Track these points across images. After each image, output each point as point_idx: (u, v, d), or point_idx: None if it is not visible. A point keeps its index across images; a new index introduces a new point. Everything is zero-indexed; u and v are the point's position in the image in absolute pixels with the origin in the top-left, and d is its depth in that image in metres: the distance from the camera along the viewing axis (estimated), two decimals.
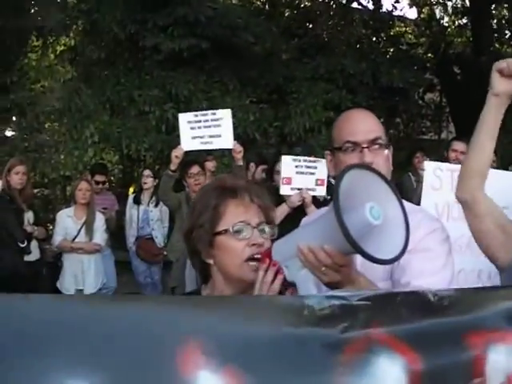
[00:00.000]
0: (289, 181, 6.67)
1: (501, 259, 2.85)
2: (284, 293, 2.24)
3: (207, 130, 7.31)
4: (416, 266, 2.53)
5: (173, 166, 7.36)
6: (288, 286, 2.27)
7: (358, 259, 2.25)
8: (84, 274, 8.14)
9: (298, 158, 6.94)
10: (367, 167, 2.23)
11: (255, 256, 2.37)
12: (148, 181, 9.45)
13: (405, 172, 9.38)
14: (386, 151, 2.70)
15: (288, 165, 6.72)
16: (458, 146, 7.76)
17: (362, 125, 2.71)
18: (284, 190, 6.59)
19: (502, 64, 2.65)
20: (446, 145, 8.82)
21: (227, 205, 2.46)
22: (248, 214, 2.46)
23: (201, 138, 7.33)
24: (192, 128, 7.32)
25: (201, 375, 1.50)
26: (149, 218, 9.50)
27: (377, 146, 2.66)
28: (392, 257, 2.06)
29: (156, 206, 9.41)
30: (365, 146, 2.62)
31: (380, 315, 1.70)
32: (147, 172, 9.70)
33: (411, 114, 18.26)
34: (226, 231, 2.42)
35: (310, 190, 6.71)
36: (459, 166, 6.66)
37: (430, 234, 2.68)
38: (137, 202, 9.60)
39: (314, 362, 1.57)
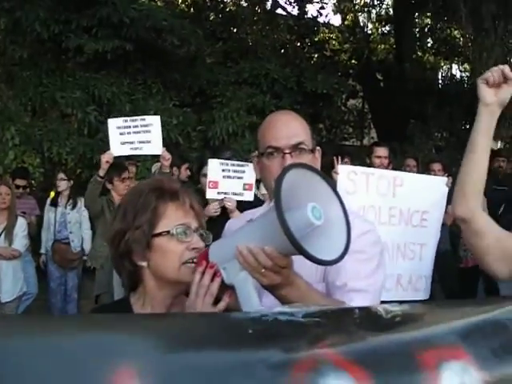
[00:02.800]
0: (215, 185, 6.63)
1: (501, 272, 2.78)
2: (221, 296, 2.21)
3: (137, 135, 7.36)
4: (351, 268, 2.53)
5: (101, 172, 7.33)
6: (226, 288, 2.23)
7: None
8: (1, 281, 7.92)
9: (226, 161, 6.89)
10: (309, 167, 2.19)
11: (195, 260, 2.34)
12: (61, 184, 9.31)
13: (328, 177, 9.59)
14: (311, 156, 2.68)
15: (215, 168, 6.68)
16: (381, 151, 8.01)
17: (285, 129, 2.67)
18: (210, 194, 6.56)
19: (487, 74, 2.66)
20: (367, 150, 9.00)
21: (167, 207, 2.44)
22: (188, 218, 2.45)
23: (130, 143, 7.38)
24: (121, 133, 7.34)
25: None
26: (66, 220, 9.35)
27: (299, 152, 2.63)
28: (334, 258, 2.05)
29: (73, 208, 9.29)
30: (287, 151, 2.61)
31: (328, 333, 1.68)
32: (61, 175, 9.53)
33: (334, 120, 18.43)
34: (167, 233, 2.39)
35: (237, 194, 6.70)
36: (374, 169, 6.87)
37: (363, 235, 2.68)
38: (54, 204, 9.47)
39: (259, 381, 1.50)
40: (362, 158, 13.21)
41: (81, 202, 9.14)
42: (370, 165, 7.90)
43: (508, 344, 1.88)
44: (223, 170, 6.74)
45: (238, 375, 1.49)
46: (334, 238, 2.11)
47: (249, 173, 6.73)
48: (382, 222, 6.28)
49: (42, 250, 9.55)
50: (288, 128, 2.67)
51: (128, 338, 1.55)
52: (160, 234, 2.38)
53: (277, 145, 2.61)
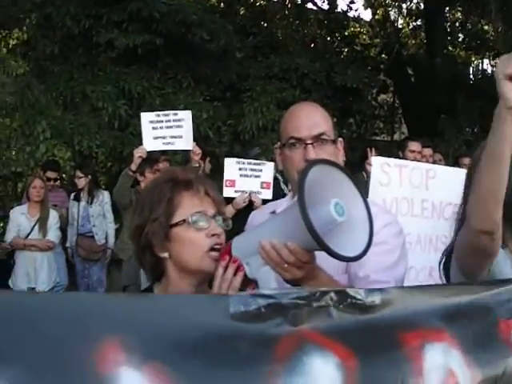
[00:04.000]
0: (232, 183, 6.69)
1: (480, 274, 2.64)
2: (245, 290, 2.21)
3: (169, 130, 7.43)
4: (373, 260, 2.50)
5: (134, 167, 7.39)
6: (249, 283, 2.26)
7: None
8: (37, 271, 8.18)
9: (242, 160, 6.99)
10: (332, 163, 2.22)
11: (215, 246, 2.37)
12: (80, 181, 9.44)
13: (358, 172, 9.59)
14: (333, 147, 2.69)
15: (231, 167, 6.77)
16: (415, 146, 8.09)
17: (306, 120, 2.69)
18: (227, 192, 6.58)
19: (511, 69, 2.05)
20: (399, 145, 9.05)
21: (182, 196, 2.46)
22: (203, 205, 2.47)
23: (163, 138, 7.43)
24: (154, 128, 7.41)
25: (122, 373, 1.47)
26: (89, 214, 9.47)
27: (321, 142, 2.65)
28: (356, 254, 2.08)
29: (91, 202, 9.42)
30: (309, 142, 2.62)
31: (310, 314, 1.71)
32: (78, 173, 9.66)
33: (364, 115, 18.36)
34: (183, 222, 2.41)
35: (255, 192, 6.74)
36: (407, 161, 6.83)
37: (386, 227, 2.68)
38: (77, 199, 9.59)
39: (242, 359, 1.58)
40: (392, 152, 13.18)
41: (102, 196, 9.41)
42: (404, 159, 7.79)
43: (490, 327, 1.99)
44: (240, 169, 6.84)
45: (221, 352, 1.55)
46: (357, 234, 2.13)
47: (266, 171, 6.87)
48: (415, 215, 6.24)
49: (68, 244, 9.68)
50: (309, 119, 2.69)
51: (118, 311, 1.58)
52: (177, 224, 2.41)
53: (298, 135, 2.64)
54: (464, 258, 2.71)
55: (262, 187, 6.82)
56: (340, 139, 2.81)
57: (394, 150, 11.09)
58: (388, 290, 1.90)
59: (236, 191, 6.60)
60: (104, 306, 1.60)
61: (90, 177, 9.46)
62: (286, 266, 2.11)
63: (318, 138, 2.64)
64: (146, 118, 7.53)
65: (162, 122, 7.45)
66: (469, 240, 2.55)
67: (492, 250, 2.52)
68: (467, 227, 2.53)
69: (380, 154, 10.36)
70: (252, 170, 6.86)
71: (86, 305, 1.59)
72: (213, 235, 2.42)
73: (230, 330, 1.61)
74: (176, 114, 7.62)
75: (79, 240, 9.49)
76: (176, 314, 1.61)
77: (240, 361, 1.56)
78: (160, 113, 7.73)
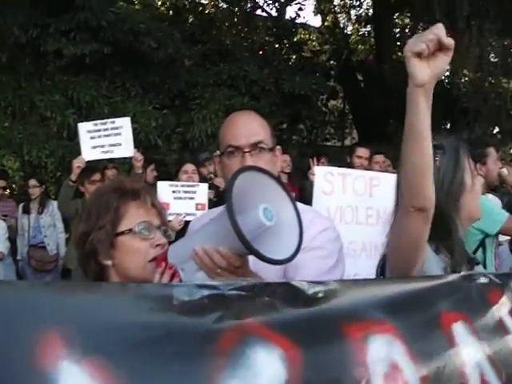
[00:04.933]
0: (166, 206, 6.42)
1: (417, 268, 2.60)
2: None
3: (107, 138, 7.48)
4: (310, 265, 2.56)
5: (73, 177, 7.47)
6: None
7: (250, 259, 2.23)
8: None
9: (175, 183, 7.03)
10: (260, 169, 2.24)
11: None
12: (35, 191, 9.49)
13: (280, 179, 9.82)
14: (270, 155, 2.74)
15: (164, 190, 6.75)
16: (362, 152, 8.35)
17: (244, 129, 2.72)
18: None
19: (420, 46, 2.12)
20: (348, 151, 9.28)
21: (129, 206, 2.49)
22: (149, 216, 2.52)
23: (101, 147, 7.48)
24: (92, 138, 7.46)
25: (62, 367, 1.42)
26: (40, 225, 9.51)
27: (258, 150, 2.68)
28: (286, 257, 2.09)
29: (41, 212, 9.48)
30: (246, 150, 2.65)
31: (254, 306, 1.73)
32: (33, 182, 9.67)
33: (315, 121, 18.54)
34: (129, 231, 2.45)
35: (190, 214, 6.70)
36: (351, 170, 7.12)
37: (322, 232, 2.73)
38: (26, 211, 9.61)
39: (185, 352, 1.56)
40: (343, 158, 13.47)
41: (52, 206, 9.43)
42: (351, 164, 8.14)
43: (433, 319, 2.08)
44: (173, 192, 6.87)
45: (164, 344, 1.55)
46: (287, 237, 2.16)
47: (200, 193, 6.95)
48: (360, 222, 6.42)
49: (19, 257, 9.66)
50: (247, 127, 2.74)
51: (57, 303, 1.55)
52: (123, 233, 2.46)
53: (236, 144, 2.68)
54: (395, 256, 2.71)
55: (196, 209, 6.87)
56: (278, 147, 2.85)
57: (344, 155, 11.34)
58: (331, 282, 1.95)
59: (170, 214, 6.48)
60: (40, 295, 1.57)
61: (43, 187, 9.60)
62: (219, 270, 2.14)
63: (256, 147, 2.68)
64: (83, 128, 7.58)
65: (100, 130, 7.49)
66: (402, 225, 2.55)
67: (422, 237, 2.50)
68: (400, 209, 2.54)
69: (331, 159, 10.75)
70: (186, 192, 6.91)
71: (19, 295, 1.54)
72: (157, 245, 2.47)
73: (172, 321, 1.62)
74: (114, 122, 7.64)
75: (31, 251, 9.50)
76: (118, 304, 1.61)
77: (182, 353, 1.56)
78: (98, 122, 7.75)
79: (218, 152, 2.84)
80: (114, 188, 2.58)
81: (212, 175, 8.58)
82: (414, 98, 2.22)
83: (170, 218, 6.34)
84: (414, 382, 1.87)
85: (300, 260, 2.27)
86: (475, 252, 4.58)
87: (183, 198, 6.86)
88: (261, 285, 1.84)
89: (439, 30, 2.10)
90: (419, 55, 2.14)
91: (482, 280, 2.39)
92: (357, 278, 2.41)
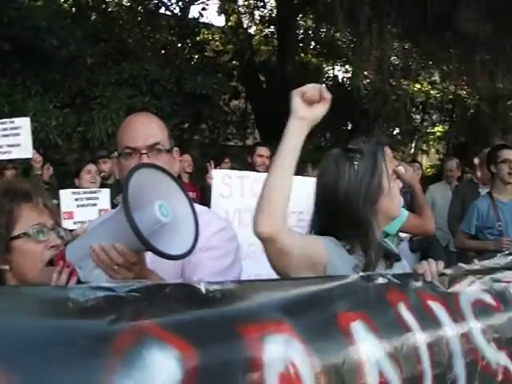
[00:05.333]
0: (70, 215, 6.54)
1: None
2: None
3: (6, 139, 7.34)
4: (207, 264, 2.65)
5: None
6: None
7: (148, 257, 2.31)
8: None
9: (77, 190, 6.90)
10: (157, 166, 2.30)
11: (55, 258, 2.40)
12: None
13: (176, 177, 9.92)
14: (168, 156, 2.82)
15: (67, 199, 6.62)
16: (263, 151, 8.43)
17: (142, 130, 2.78)
18: (67, 225, 6.15)
19: (305, 89, 2.58)
20: (249, 150, 9.33)
21: (22, 209, 2.48)
22: (43, 217, 2.52)
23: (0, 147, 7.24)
24: None
25: None
26: None
27: (156, 152, 2.76)
28: (182, 252, 2.16)
29: None
30: (143, 151, 2.71)
31: (150, 307, 1.76)
32: None
33: (217, 121, 18.56)
34: (24, 234, 2.44)
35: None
36: (248, 172, 7.25)
37: (218, 232, 2.83)
38: None
39: (81, 353, 1.56)
40: (243, 157, 13.63)
41: None
42: (252, 164, 8.28)
43: (329, 319, 2.14)
44: (76, 199, 6.70)
45: (59, 346, 1.55)
46: (183, 233, 2.23)
47: (103, 198, 6.85)
48: None
49: None
50: (145, 129, 2.81)
51: None
52: (18, 237, 2.45)
53: (134, 145, 2.74)
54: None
55: (100, 215, 6.53)
56: (176, 149, 2.93)
57: (246, 155, 11.49)
58: (228, 283, 2.02)
59: (75, 223, 6.38)
60: None
61: None
62: (115, 267, 2.17)
63: (153, 148, 2.75)
64: None
65: None
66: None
67: (275, 260, 2.61)
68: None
69: (233, 159, 10.96)
70: (88, 198, 6.80)
71: None
72: (52, 247, 2.48)
73: (68, 323, 1.63)
74: (13, 122, 7.49)
75: None
76: (13, 307, 1.63)
77: (76, 355, 1.55)
78: None
79: (116, 153, 2.89)
80: (4, 191, 2.56)
81: (105, 174, 8.62)
82: (290, 130, 2.57)
83: (75, 226, 6.06)
84: (312, 380, 1.94)
85: (197, 259, 2.46)
86: None
87: (86, 205, 6.73)
88: (157, 286, 1.93)
89: (322, 87, 2.62)
90: (303, 96, 2.58)
91: (381, 280, 2.51)
92: (254, 279, 2.52)
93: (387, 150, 5.35)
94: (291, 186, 2.57)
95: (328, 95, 2.60)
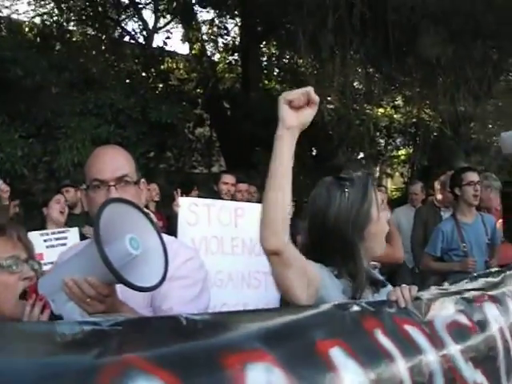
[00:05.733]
0: (40, 257, 6.18)
1: (300, 298, 2.67)
2: None
3: None
4: (176, 293, 2.67)
5: None
6: (55, 319, 2.28)
7: (118, 289, 2.34)
8: None
9: (45, 231, 6.85)
10: (126, 201, 2.34)
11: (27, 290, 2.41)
12: None
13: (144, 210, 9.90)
14: (135, 188, 2.86)
15: (36, 240, 6.16)
16: (228, 178, 8.50)
17: (110, 163, 2.81)
18: None
19: (292, 96, 2.49)
20: (214, 178, 9.33)
21: None
22: (16, 250, 2.56)
23: None
24: None
25: None
26: None
27: (124, 184, 2.79)
28: (153, 284, 2.21)
29: None
30: (111, 183, 2.75)
31: (133, 340, 1.78)
32: None
33: (182, 149, 18.60)
34: None
35: None
36: (215, 200, 7.32)
37: (187, 261, 2.85)
38: None
39: None
40: (209, 185, 13.65)
41: None
42: (218, 192, 8.31)
43: (308, 346, 2.16)
44: (45, 241, 6.66)
45: (46, 380, 1.53)
46: (153, 266, 2.27)
47: (72, 238, 6.81)
48: (226, 252, 6.40)
49: None
50: (112, 161, 2.83)
51: None
52: None
53: (102, 177, 2.77)
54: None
55: None
56: (142, 180, 2.97)
57: (212, 182, 11.49)
58: (208, 314, 2.13)
59: (45, 264, 5.66)
60: None
61: None
62: (88, 300, 2.20)
63: (121, 180, 2.78)
64: None
65: None
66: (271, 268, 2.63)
67: (280, 273, 2.62)
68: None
69: (198, 186, 11.00)
70: (57, 239, 6.76)
71: None
72: (25, 278, 2.51)
73: (57, 358, 1.63)
74: None
75: None
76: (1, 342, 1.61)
77: None
78: None
79: (84, 186, 2.90)
80: None
81: (69, 203, 8.53)
82: (280, 140, 2.49)
83: (46, 268, 5.89)
84: None
85: (166, 289, 2.45)
86: None
87: (55, 245, 6.66)
88: (138, 319, 1.98)
89: (310, 89, 2.51)
90: (290, 103, 2.49)
91: (355, 308, 2.56)
92: (235, 310, 2.50)
93: None
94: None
95: (316, 98, 2.53)
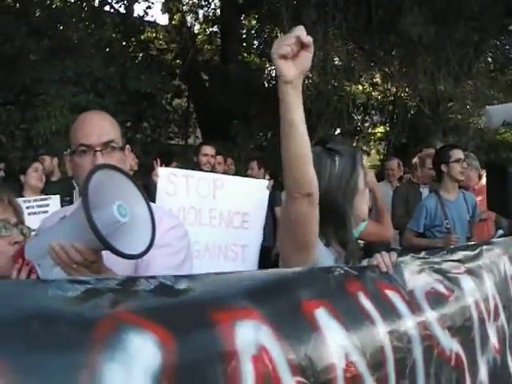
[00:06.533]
0: None
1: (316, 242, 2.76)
2: None
3: None
4: (159, 261, 2.67)
5: None
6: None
7: (104, 255, 2.32)
8: None
9: (28, 199, 6.90)
10: (115, 167, 2.32)
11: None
12: None
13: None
14: (121, 154, 2.84)
15: None
16: (208, 150, 8.49)
17: (96, 128, 2.79)
18: None
19: (284, 49, 2.34)
20: (194, 150, 9.36)
21: None
22: (6, 214, 2.56)
23: None
24: None
25: None
26: None
27: (110, 149, 2.78)
28: (139, 252, 2.20)
29: None
30: (98, 148, 2.73)
31: (125, 297, 1.78)
32: None
33: (159, 119, 18.62)
34: None
35: None
36: (194, 172, 7.31)
37: (170, 230, 2.85)
38: None
39: (63, 341, 1.58)
40: (186, 156, 13.68)
41: None
42: (198, 163, 8.33)
43: (294, 306, 2.21)
44: (27, 208, 6.60)
45: (42, 336, 1.55)
46: (141, 233, 2.27)
47: (53, 205, 6.89)
48: (203, 224, 6.54)
49: None
50: (98, 126, 2.81)
51: None
52: None
53: (87, 142, 2.75)
54: (289, 244, 2.78)
55: None
56: (127, 146, 2.96)
57: (189, 154, 11.41)
58: (196, 275, 2.06)
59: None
60: None
61: None
62: (74, 265, 2.19)
63: (107, 145, 2.77)
64: None
65: None
66: (290, 212, 2.64)
67: (310, 220, 2.62)
68: (287, 197, 2.62)
69: (174, 157, 11.04)
70: (39, 206, 6.85)
71: None
72: (15, 243, 2.52)
73: (49, 313, 1.62)
74: None
75: None
76: None
77: (62, 341, 1.58)
78: None
79: (69, 150, 2.89)
80: None
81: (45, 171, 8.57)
82: (285, 95, 2.40)
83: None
84: (283, 363, 1.99)
85: (150, 257, 2.41)
86: None
87: (37, 212, 6.71)
88: (129, 279, 1.93)
89: (300, 32, 2.34)
90: (285, 57, 2.35)
91: (339, 271, 2.59)
92: (221, 271, 2.33)
93: None
94: (309, 148, 2.52)
95: (309, 39, 2.37)
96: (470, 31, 14.13)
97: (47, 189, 8.01)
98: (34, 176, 7.85)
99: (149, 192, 6.96)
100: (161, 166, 7.15)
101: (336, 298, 2.44)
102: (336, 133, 19.99)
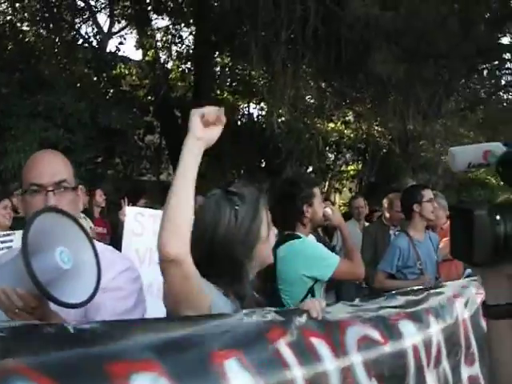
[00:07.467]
0: None
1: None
2: None
3: None
4: (109, 305, 2.64)
5: None
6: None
7: None
8: None
9: None
10: (60, 211, 2.29)
11: None
12: None
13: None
14: (73, 194, 2.83)
15: None
16: None
17: (48, 167, 2.78)
18: None
19: (206, 111, 2.58)
20: (165, 187, 9.64)
21: None
22: None
23: None
24: None
25: None
26: None
27: (62, 189, 2.76)
28: (81, 300, 2.16)
29: None
30: (50, 188, 2.71)
31: (16, 346, 1.74)
32: None
33: (131, 155, 18.52)
34: None
35: None
36: (161, 211, 7.32)
37: (122, 272, 2.83)
38: None
39: None
40: (158, 193, 13.62)
41: None
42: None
43: (202, 357, 2.15)
44: None
45: None
46: (85, 280, 2.23)
47: (18, 240, 6.14)
48: None
49: None
50: (50, 166, 2.80)
51: None
52: None
53: (39, 182, 2.73)
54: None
55: None
56: (81, 186, 2.93)
57: (162, 190, 11.36)
58: (97, 323, 2.05)
59: None
60: None
61: None
62: (16, 310, 2.17)
63: (59, 185, 2.75)
64: None
65: None
66: (166, 281, 2.52)
67: (177, 284, 2.48)
68: (161, 264, 2.48)
69: (146, 193, 10.99)
70: (2, 242, 6.60)
71: None
72: None
73: None
74: None
75: None
76: None
77: None
78: None
79: (20, 190, 2.85)
80: None
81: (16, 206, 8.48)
82: (189, 148, 2.53)
83: None
84: None
85: (100, 301, 2.39)
86: (303, 300, 4.42)
87: (1, 248, 6.42)
88: (24, 326, 1.91)
89: (221, 110, 2.61)
90: (202, 118, 2.56)
91: (263, 317, 2.56)
92: (127, 319, 2.44)
93: (317, 191, 5.30)
94: (192, 206, 2.48)
95: (224, 118, 2.61)
96: (440, 70, 14.27)
97: (15, 224, 7.84)
98: (2, 214, 7.74)
99: (119, 231, 7.06)
100: (129, 204, 7.13)
101: (251, 347, 2.37)
102: (308, 171, 20.06)
